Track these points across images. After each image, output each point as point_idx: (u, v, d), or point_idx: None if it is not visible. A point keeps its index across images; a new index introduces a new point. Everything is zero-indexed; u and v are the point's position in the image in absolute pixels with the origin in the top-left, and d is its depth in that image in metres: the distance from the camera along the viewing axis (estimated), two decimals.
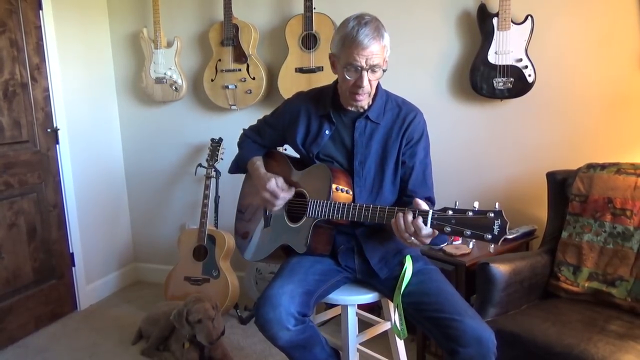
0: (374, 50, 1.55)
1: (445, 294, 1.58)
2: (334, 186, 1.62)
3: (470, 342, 1.45)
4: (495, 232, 1.29)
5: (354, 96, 1.63)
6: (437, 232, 1.40)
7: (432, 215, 1.36)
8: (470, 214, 1.32)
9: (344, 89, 1.65)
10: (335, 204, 1.58)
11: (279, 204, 1.75)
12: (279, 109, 1.90)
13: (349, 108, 1.72)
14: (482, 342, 1.45)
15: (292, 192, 1.76)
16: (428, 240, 1.43)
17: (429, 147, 1.77)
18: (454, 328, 1.47)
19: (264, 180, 1.77)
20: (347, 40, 1.56)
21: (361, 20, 1.56)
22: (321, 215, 1.60)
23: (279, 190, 1.74)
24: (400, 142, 1.69)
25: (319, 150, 1.74)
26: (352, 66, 1.58)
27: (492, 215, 1.30)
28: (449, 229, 1.34)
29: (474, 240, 1.34)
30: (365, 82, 1.59)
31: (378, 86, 1.72)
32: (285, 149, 2.10)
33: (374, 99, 1.70)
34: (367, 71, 1.58)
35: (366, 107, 1.69)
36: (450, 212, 1.34)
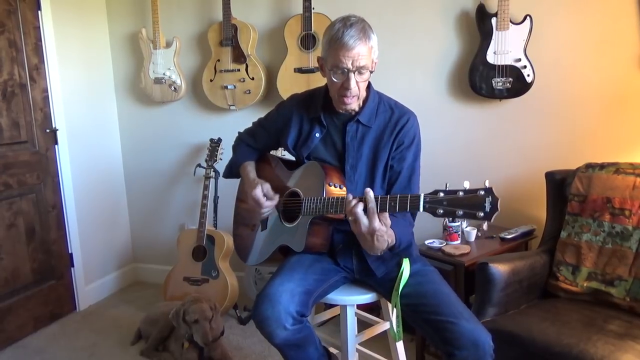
0: (361, 51, 1.55)
1: (442, 296, 1.58)
2: (327, 182, 1.61)
3: (466, 345, 1.45)
4: (487, 209, 1.27)
5: (342, 99, 1.62)
6: (378, 230, 1.41)
7: (424, 199, 1.34)
8: (461, 193, 1.31)
9: (333, 92, 1.65)
10: (328, 199, 1.57)
11: (264, 212, 1.76)
12: (272, 112, 1.90)
13: (340, 111, 1.71)
14: (479, 345, 1.45)
15: (277, 199, 1.75)
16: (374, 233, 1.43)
17: (419, 152, 1.73)
18: (450, 331, 1.47)
19: (251, 187, 1.77)
20: (333, 42, 1.56)
21: (347, 22, 1.56)
22: (316, 212, 1.59)
23: (263, 199, 1.73)
24: (391, 146, 1.68)
25: (310, 152, 1.73)
26: (339, 68, 1.57)
27: (482, 192, 1.28)
28: (441, 211, 1.32)
29: (466, 220, 1.33)
30: (353, 84, 1.58)
31: (370, 89, 1.71)
32: (284, 155, 2.10)
33: (365, 102, 1.69)
34: (354, 73, 1.57)
35: (357, 109, 1.68)
36: (442, 194, 1.33)
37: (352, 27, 1.54)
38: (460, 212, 1.30)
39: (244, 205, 1.96)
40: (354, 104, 1.65)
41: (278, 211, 1.79)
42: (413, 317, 1.61)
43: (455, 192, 1.31)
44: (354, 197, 1.46)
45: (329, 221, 1.66)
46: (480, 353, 1.45)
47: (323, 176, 1.62)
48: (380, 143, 1.68)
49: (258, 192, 1.73)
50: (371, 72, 1.62)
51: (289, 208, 1.76)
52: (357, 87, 1.59)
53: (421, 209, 1.35)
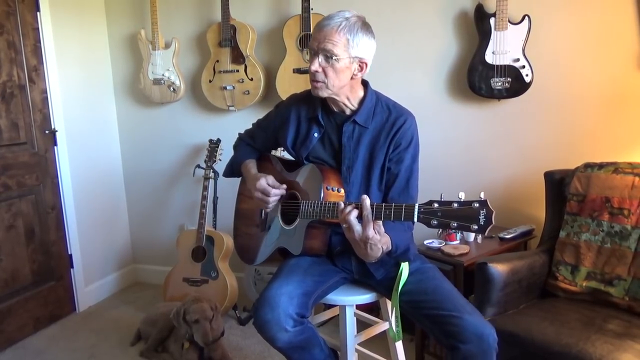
0: (328, 35, 1.55)
1: (443, 291, 1.59)
2: (324, 186, 1.60)
3: (470, 338, 1.45)
4: (482, 222, 1.27)
5: (311, 83, 1.62)
6: (372, 238, 1.41)
7: (419, 209, 1.34)
8: (456, 205, 1.29)
9: None
10: (326, 204, 1.56)
11: (273, 201, 1.73)
12: (270, 113, 1.90)
13: (335, 110, 1.71)
14: (483, 338, 1.45)
15: (284, 188, 1.74)
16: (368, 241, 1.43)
17: (417, 154, 1.71)
18: (453, 325, 1.47)
19: (255, 181, 1.75)
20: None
21: (340, 12, 1.58)
22: (313, 215, 1.59)
23: (270, 188, 1.72)
24: (388, 147, 1.66)
25: (308, 152, 1.73)
26: (310, 49, 1.59)
27: (477, 205, 1.27)
28: (435, 222, 1.31)
29: (461, 231, 1.32)
30: (314, 67, 1.57)
31: (367, 88, 1.71)
32: (284, 155, 2.11)
33: (362, 102, 1.68)
34: (319, 56, 1.57)
35: (324, 95, 1.64)
36: (436, 205, 1.32)
37: (335, 16, 1.57)
38: (455, 224, 1.29)
39: (245, 206, 1.96)
40: (320, 91, 1.62)
41: (278, 212, 1.79)
42: (415, 314, 1.61)
43: (450, 203, 1.30)
44: (349, 204, 1.45)
45: (326, 224, 1.65)
46: (484, 346, 1.45)
47: (321, 179, 1.62)
48: (377, 144, 1.67)
49: (263, 182, 1.72)
50: (356, 71, 1.61)
51: (287, 210, 1.75)
52: (322, 73, 1.58)
53: (415, 219, 1.34)
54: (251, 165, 1.89)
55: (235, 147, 2.01)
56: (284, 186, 1.74)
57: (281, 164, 1.87)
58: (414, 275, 1.65)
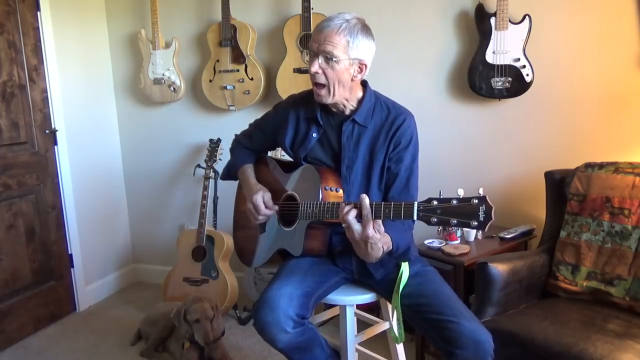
0: (328, 36, 1.54)
1: (442, 296, 1.58)
2: (322, 186, 1.60)
3: (467, 344, 1.45)
4: (481, 218, 1.25)
5: (313, 89, 1.62)
6: (372, 238, 1.40)
7: (418, 207, 1.33)
8: (455, 202, 1.29)
9: None
10: (325, 204, 1.56)
11: (260, 219, 1.75)
12: (269, 113, 1.89)
13: (334, 110, 1.70)
14: (480, 344, 1.45)
15: (276, 209, 1.74)
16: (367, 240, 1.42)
17: (417, 153, 1.71)
18: (451, 330, 1.47)
19: (252, 192, 1.76)
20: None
21: (340, 13, 1.58)
22: (312, 216, 1.59)
23: (262, 206, 1.72)
24: (387, 147, 1.65)
25: (307, 153, 1.73)
26: (310, 51, 1.59)
27: (476, 201, 1.26)
28: (435, 220, 1.30)
29: (461, 228, 1.30)
30: (314, 68, 1.57)
31: (366, 88, 1.70)
32: (283, 156, 2.10)
33: (361, 102, 1.68)
34: (318, 57, 1.57)
35: (328, 102, 1.64)
36: (435, 202, 1.31)
37: (335, 18, 1.57)
38: (454, 221, 1.28)
39: (244, 208, 1.96)
40: (322, 96, 1.62)
41: (276, 214, 1.79)
42: (413, 317, 1.61)
43: (449, 200, 1.30)
44: (347, 204, 1.45)
45: (326, 225, 1.65)
46: (480, 352, 1.45)
47: (319, 180, 1.61)
48: (377, 144, 1.67)
49: (259, 198, 1.73)
50: (356, 71, 1.60)
51: (287, 212, 1.75)
52: (322, 74, 1.58)
53: (415, 217, 1.34)
54: (249, 172, 1.88)
55: (232, 150, 2.00)
56: (276, 207, 1.75)
57: (278, 165, 1.87)
58: (414, 278, 1.65)
